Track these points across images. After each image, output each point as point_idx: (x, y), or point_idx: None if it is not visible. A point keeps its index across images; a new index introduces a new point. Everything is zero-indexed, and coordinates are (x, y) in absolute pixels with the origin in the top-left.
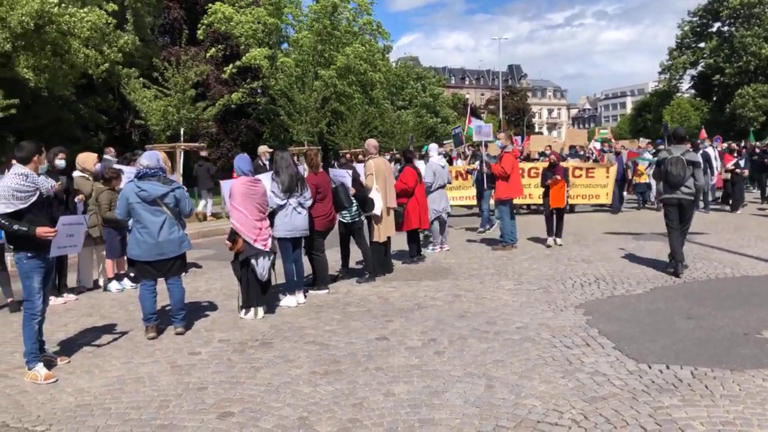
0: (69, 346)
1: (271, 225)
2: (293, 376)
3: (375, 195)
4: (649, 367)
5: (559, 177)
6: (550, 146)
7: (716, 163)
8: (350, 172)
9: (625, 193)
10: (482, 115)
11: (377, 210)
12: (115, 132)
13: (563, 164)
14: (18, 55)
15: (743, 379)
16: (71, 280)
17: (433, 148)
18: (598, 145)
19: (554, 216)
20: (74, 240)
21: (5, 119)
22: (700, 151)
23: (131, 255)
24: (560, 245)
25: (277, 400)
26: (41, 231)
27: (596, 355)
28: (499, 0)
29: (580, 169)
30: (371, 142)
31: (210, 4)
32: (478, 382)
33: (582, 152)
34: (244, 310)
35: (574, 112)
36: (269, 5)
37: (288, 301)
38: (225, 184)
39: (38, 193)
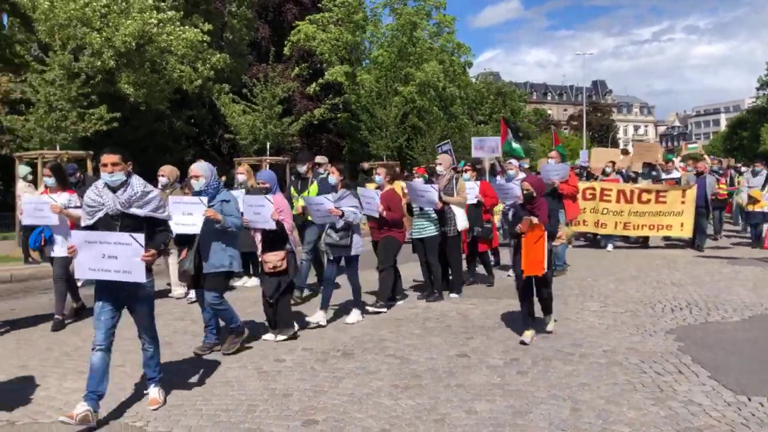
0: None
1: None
2: (375, 388)
3: (459, 211)
4: (749, 400)
5: (535, 220)
6: (613, 162)
7: None
8: (436, 186)
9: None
10: (564, 131)
11: (462, 226)
12: (206, 145)
13: (628, 186)
14: (120, 72)
15: None
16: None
17: (515, 163)
18: (683, 164)
19: (531, 287)
20: (119, 264)
21: (108, 132)
22: None
23: (235, 267)
24: (549, 332)
25: (359, 411)
26: (70, 247)
27: (690, 383)
28: (583, 16)
29: (648, 192)
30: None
31: (296, 22)
32: (563, 404)
33: (655, 172)
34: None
35: (662, 129)
36: (350, 23)
37: (355, 316)
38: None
39: (104, 209)
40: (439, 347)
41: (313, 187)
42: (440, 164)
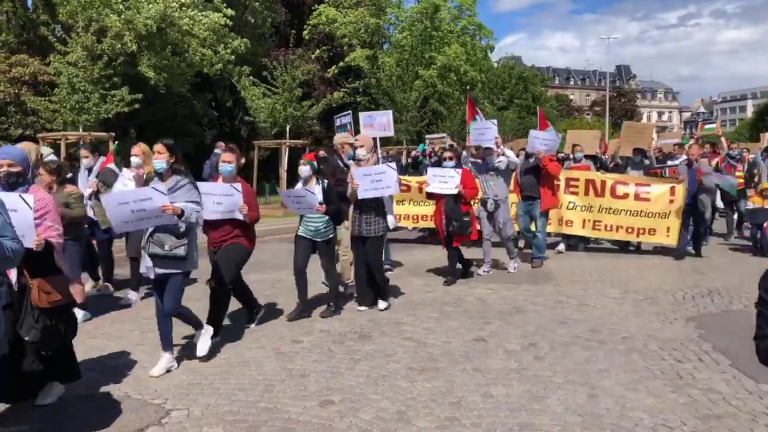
0: (181, 328)
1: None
2: (391, 371)
3: (387, 206)
4: None
5: None
6: (578, 146)
7: None
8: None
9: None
10: (587, 116)
11: (392, 223)
12: (225, 127)
13: (599, 176)
14: (142, 55)
15: None
16: None
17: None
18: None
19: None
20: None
21: (129, 114)
22: None
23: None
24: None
25: (375, 393)
26: None
27: (710, 371)
28: (607, 0)
29: (625, 184)
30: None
31: (316, 6)
32: (580, 390)
33: (648, 160)
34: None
35: (686, 115)
36: (371, 6)
37: (166, 361)
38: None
39: None
40: (456, 331)
41: None
42: (361, 146)
